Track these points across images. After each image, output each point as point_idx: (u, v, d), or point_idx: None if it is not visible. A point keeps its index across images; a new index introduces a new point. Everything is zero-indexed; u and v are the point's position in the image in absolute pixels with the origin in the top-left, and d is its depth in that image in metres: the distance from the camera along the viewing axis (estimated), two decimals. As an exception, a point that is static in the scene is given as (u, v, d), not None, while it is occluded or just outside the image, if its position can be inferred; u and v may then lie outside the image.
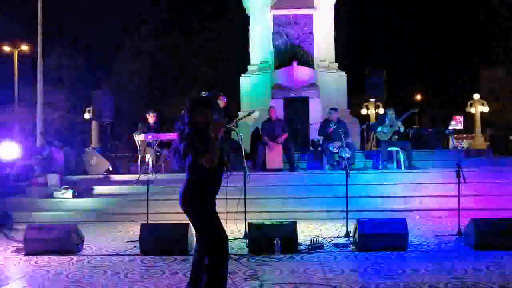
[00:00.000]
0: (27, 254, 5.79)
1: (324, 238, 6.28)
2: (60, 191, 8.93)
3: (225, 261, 3.74)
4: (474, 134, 17.05)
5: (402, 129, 10.13)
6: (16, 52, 25.19)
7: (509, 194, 8.39)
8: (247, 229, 6.09)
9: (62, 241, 5.82)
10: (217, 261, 3.65)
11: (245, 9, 15.00)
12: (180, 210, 3.77)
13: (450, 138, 16.69)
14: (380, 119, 10.85)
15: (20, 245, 6.11)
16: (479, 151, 12.93)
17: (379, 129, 10.22)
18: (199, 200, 3.70)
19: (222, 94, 10.82)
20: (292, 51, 12.89)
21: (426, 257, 5.39)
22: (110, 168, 10.38)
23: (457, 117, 18.94)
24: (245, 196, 6.42)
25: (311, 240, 5.93)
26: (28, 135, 19.58)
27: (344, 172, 6.64)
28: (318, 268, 5.02)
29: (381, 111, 20.17)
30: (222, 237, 3.73)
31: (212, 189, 3.79)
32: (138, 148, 10.40)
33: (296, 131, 11.40)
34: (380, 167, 10.04)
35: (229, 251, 5.69)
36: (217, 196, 3.85)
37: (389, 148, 10.11)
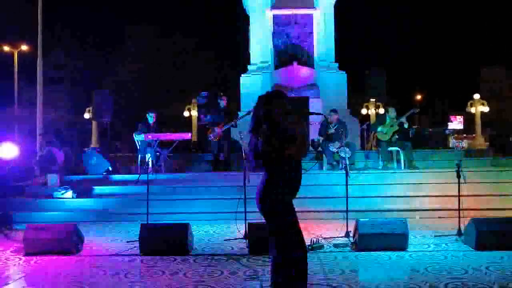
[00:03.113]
0: (27, 254, 5.78)
1: (324, 238, 6.27)
2: (60, 191, 8.92)
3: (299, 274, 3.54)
4: (474, 134, 17.04)
5: (406, 125, 10.11)
6: (16, 52, 25.18)
7: (509, 194, 8.39)
8: (247, 229, 6.08)
9: (62, 241, 5.81)
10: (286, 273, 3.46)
11: (245, 9, 15.00)
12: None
13: (450, 138, 16.73)
14: (380, 119, 10.84)
15: (20, 245, 6.10)
16: (479, 151, 12.92)
17: (379, 129, 10.22)
18: (277, 201, 3.49)
19: (222, 94, 10.82)
20: (292, 51, 12.89)
21: (426, 257, 5.39)
22: (110, 168, 10.37)
23: (457, 117, 18.95)
24: (245, 196, 6.40)
25: (311, 240, 5.92)
26: (28, 135, 19.57)
27: (344, 172, 6.64)
28: (318, 268, 5.00)
29: (381, 111, 20.21)
30: (296, 249, 3.52)
31: (292, 188, 3.58)
32: (138, 148, 10.40)
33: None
34: (380, 167, 10.05)
35: (229, 251, 5.77)
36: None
37: (389, 148, 10.11)
